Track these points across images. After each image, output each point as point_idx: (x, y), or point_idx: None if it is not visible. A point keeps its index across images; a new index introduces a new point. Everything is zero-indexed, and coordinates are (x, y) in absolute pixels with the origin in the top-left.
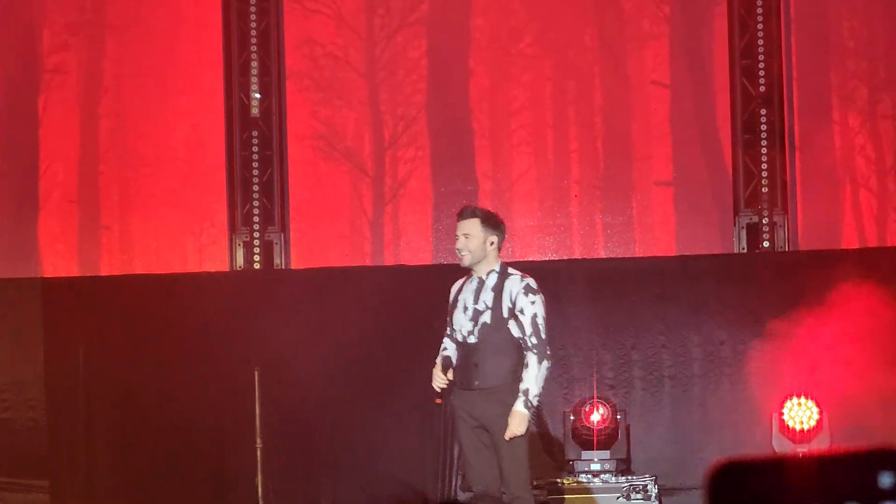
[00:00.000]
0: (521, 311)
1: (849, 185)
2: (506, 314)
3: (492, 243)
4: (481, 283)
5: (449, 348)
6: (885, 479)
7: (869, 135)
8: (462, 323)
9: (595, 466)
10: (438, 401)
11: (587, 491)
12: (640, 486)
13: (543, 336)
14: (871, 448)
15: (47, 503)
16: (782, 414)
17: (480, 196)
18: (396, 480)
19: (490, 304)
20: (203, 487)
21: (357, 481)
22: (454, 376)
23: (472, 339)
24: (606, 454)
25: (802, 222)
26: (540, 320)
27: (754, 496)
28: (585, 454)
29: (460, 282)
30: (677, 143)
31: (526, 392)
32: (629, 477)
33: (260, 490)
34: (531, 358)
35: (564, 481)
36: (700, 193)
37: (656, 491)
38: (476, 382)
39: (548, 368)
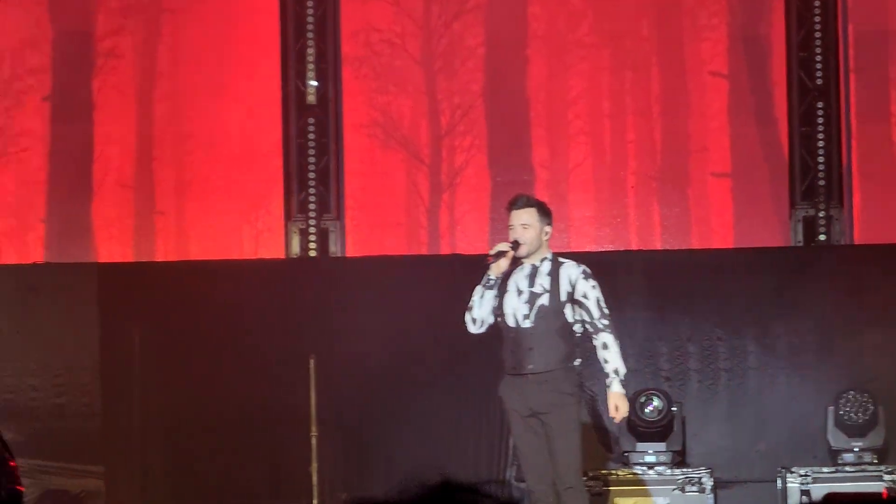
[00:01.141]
0: (585, 296)
1: None
2: (563, 298)
3: (547, 234)
4: (534, 269)
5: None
6: None
7: None
8: (516, 307)
9: (650, 458)
10: (490, 259)
11: (641, 483)
12: (696, 479)
13: (611, 317)
14: None
15: (102, 488)
16: (839, 408)
17: (537, 186)
18: (451, 470)
19: (548, 287)
20: (257, 475)
21: (412, 470)
22: (503, 363)
23: (526, 324)
24: (662, 446)
25: (860, 216)
26: (603, 302)
27: None
28: (640, 446)
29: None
30: (735, 135)
31: (616, 371)
32: (684, 469)
33: (315, 478)
34: (607, 338)
35: (619, 473)
36: (757, 186)
37: (711, 483)
38: (530, 366)
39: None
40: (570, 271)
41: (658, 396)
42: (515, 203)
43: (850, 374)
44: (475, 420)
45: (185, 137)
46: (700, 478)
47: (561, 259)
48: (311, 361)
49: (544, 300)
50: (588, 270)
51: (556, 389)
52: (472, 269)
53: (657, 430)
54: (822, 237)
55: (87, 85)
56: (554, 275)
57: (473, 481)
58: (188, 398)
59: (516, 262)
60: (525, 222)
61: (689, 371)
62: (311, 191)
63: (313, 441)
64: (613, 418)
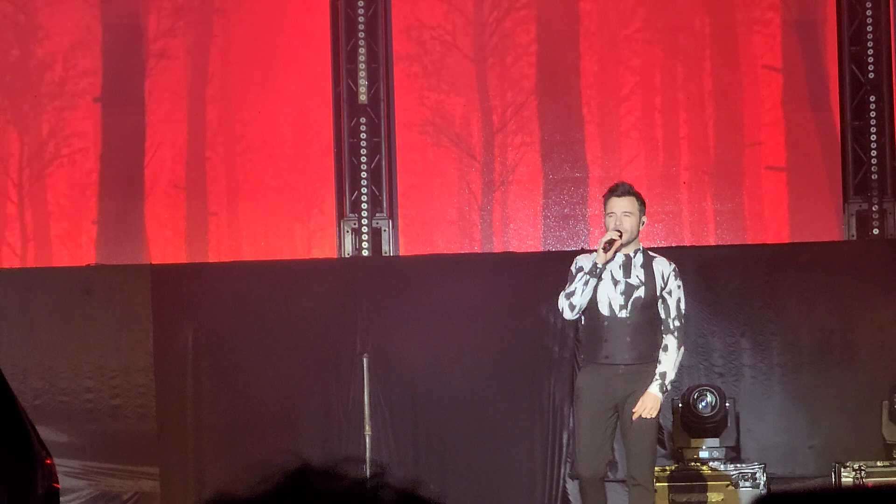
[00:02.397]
0: (670, 293)
1: None
2: (658, 292)
3: (643, 224)
4: (629, 259)
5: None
6: None
7: None
8: (612, 296)
9: (704, 454)
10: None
11: (696, 478)
12: (750, 475)
13: (684, 322)
14: None
15: (157, 490)
16: (893, 402)
17: (590, 183)
18: (504, 470)
19: (643, 279)
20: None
21: (464, 470)
22: (588, 351)
23: (623, 314)
24: (716, 442)
25: None
26: (683, 305)
27: None
28: (694, 442)
29: (592, 255)
30: (790, 129)
31: (663, 375)
32: (738, 465)
33: (368, 476)
34: (671, 341)
35: (673, 469)
36: (813, 180)
37: (765, 479)
38: (627, 357)
39: (683, 355)
40: (664, 267)
41: (711, 392)
42: (616, 190)
43: None
44: (528, 416)
45: (236, 138)
46: (754, 473)
47: (651, 253)
48: (365, 360)
49: (640, 292)
50: (678, 269)
51: (648, 383)
52: (524, 267)
53: (711, 426)
54: (876, 231)
55: (139, 86)
56: (648, 268)
57: (328, 464)
58: (242, 398)
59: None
60: (627, 210)
61: (743, 367)
62: (364, 190)
63: (367, 440)
64: (633, 412)
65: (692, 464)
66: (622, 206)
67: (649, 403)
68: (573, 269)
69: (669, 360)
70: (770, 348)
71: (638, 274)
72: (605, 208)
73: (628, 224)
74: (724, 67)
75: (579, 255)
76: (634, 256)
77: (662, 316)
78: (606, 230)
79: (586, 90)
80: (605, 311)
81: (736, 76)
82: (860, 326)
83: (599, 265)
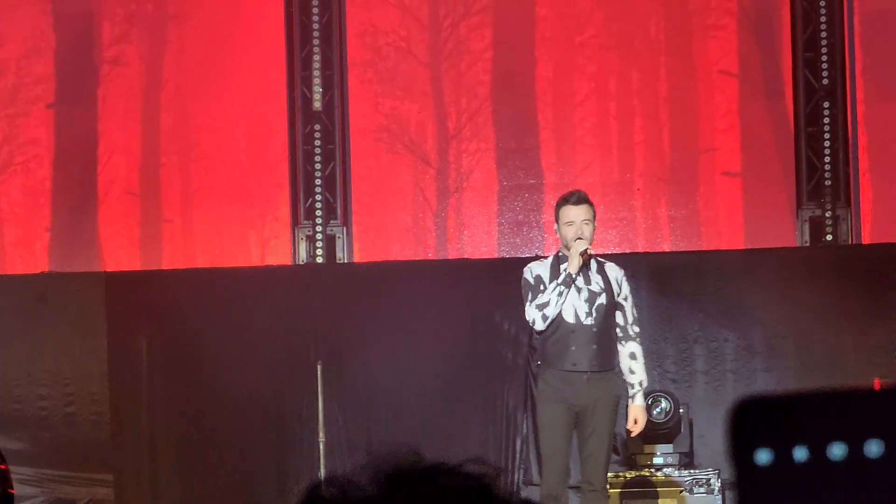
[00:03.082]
0: (626, 299)
1: None
2: (616, 298)
3: (594, 229)
4: (585, 266)
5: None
6: None
7: None
8: (577, 304)
9: (658, 460)
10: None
11: (649, 485)
12: (703, 480)
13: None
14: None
15: (111, 497)
16: None
17: (545, 190)
18: (459, 475)
19: (603, 286)
20: (265, 481)
21: (420, 476)
22: (552, 359)
23: (589, 321)
24: (669, 448)
25: (873, 215)
26: (635, 310)
27: (776, 430)
28: (648, 448)
29: (545, 263)
30: (745, 135)
31: (641, 384)
32: (692, 471)
33: (323, 484)
34: (636, 348)
35: (626, 475)
36: (768, 186)
37: (719, 485)
38: (594, 364)
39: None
40: (616, 272)
41: (665, 398)
42: (571, 199)
43: (857, 374)
44: (482, 422)
45: (191, 145)
46: (708, 479)
47: (600, 258)
48: (319, 367)
49: (603, 299)
50: (625, 272)
51: (611, 390)
52: (478, 274)
53: (664, 432)
54: (829, 237)
55: (93, 93)
56: (603, 274)
57: (454, 462)
58: (196, 406)
59: (563, 259)
60: (586, 218)
61: (697, 373)
62: (318, 197)
63: (321, 447)
64: (630, 431)
65: (646, 470)
66: (581, 214)
67: (641, 416)
68: (529, 278)
69: (640, 366)
70: (723, 354)
71: (597, 280)
72: (558, 217)
73: (589, 232)
74: (679, 73)
75: (530, 263)
76: (590, 263)
77: (621, 323)
78: (562, 239)
79: (541, 96)
80: (570, 319)
81: (691, 82)
82: (813, 333)
83: (574, 275)
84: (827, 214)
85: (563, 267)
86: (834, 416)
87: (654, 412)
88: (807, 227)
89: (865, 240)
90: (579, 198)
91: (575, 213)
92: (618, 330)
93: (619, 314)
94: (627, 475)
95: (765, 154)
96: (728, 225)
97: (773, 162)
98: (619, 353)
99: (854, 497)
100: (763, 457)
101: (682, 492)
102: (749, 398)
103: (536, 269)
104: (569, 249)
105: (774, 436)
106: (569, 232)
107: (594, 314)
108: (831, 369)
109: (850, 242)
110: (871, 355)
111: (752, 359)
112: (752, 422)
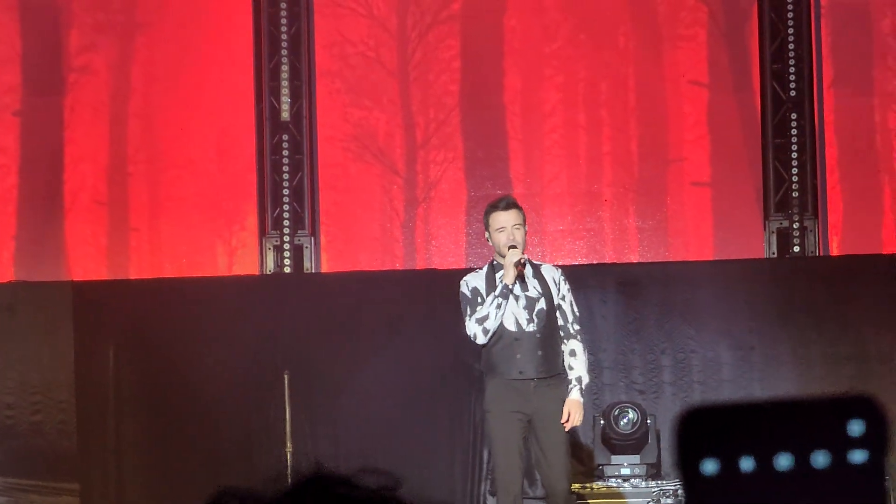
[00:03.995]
0: (563, 298)
1: (888, 187)
2: (556, 301)
3: (526, 233)
4: (520, 274)
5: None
6: (854, 427)
7: None
8: (517, 312)
9: (625, 471)
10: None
11: (617, 496)
12: (670, 492)
13: (581, 323)
14: (841, 395)
15: None
16: None
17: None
18: (426, 486)
19: (541, 290)
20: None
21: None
22: (498, 369)
23: (531, 328)
24: (636, 459)
25: (843, 226)
26: (575, 306)
27: (722, 440)
28: (615, 459)
29: (480, 274)
30: (715, 145)
31: (580, 380)
32: (659, 482)
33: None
34: (576, 345)
35: (594, 486)
36: (737, 197)
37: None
38: (541, 370)
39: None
40: (552, 273)
41: (632, 409)
42: (500, 205)
43: (825, 385)
44: (449, 432)
45: (159, 154)
46: (675, 490)
47: (535, 262)
48: (286, 376)
49: (542, 303)
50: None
51: (561, 396)
52: (446, 284)
53: (631, 443)
54: (797, 249)
55: (60, 101)
56: (540, 277)
57: (348, 472)
58: (163, 415)
59: (497, 268)
60: (517, 222)
61: (663, 384)
62: (286, 207)
63: (288, 456)
64: (563, 425)
65: (613, 481)
66: (511, 219)
67: (574, 410)
68: (465, 291)
69: (581, 364)
70: (690, 366)
71: (534, 285)
72: (487, 224)
73: (520, 237)
74: (648, 83)
75: (465, 276)
76: (525, 268)
77: (561, 322)
78: (495, 247)
79: (510, 106)
80: (512, 327)
81: (660, 92)
82: (780, 344)
83: (510, 285)
84: (794, 226)
85: (498, 276)
86: (779, 426)
87: (621, 423)
88: (774, 238)
89: (835, 251)
90: (508, 203)
91: (505, 219)
92: (560, 330)
93: (558, 314)
94: (594, 486)
95: (735, 164)
96: (696, 236)
97: (742, 172)
98: (562, 353)
99: None
100: (709, 467)
101: (649, 503)
102: (694, 408)
103: (472, 282)
104: (503, 258)
105: (721, 446)
106: (501, 238)
107: (535, 320)
108: (799, 381)
109: (817, 254)
110: (838, 366)
111: (719, 370)
112: (698, 432)
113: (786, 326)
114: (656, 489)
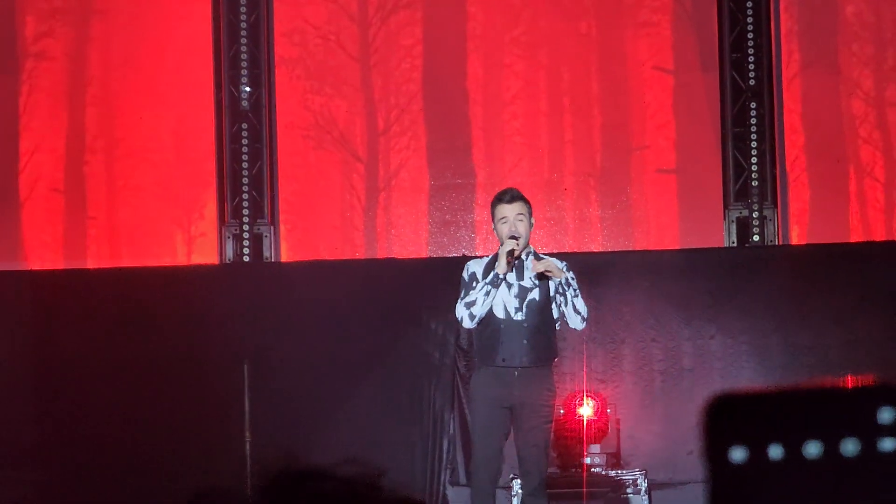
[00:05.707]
0: (568, 285)
1: (854, 174)
2: (552, 292)
3: (531, 226)
4: (521, 262)
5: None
6: (884, 415)
7: (876, 123)
8: (507, 299)
9: (585, 460)
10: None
11: (577, 485)
12: (630, 481)
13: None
14: (871, 382)
15: (34, 496)
16: None
17: (476, 188)
18: (386, 475)
19: (536, 282)
20: (192, 480)
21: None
22: (483, 355)
23: (518, 317)
24: (596, 448)
25: (810, 214)
26: (581, 305)
27: (751, 428)
28: (575, 448)
29: (482, 261)
30: (679, 133)
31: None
32: (619, 471)
33: (249, 482)
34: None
35: (554, 474)
36: (700, 185)
37: (646, 485)
38: (525, 360)
39: (585, 320)
40: (555, 265)
41: (593, 398)
42: (504, 197)
43: (784, 375)
44: (409, 422)
45: (117, 142)
46: (635, 479)
47: (541, 255)
48: (245, 366)
49: (535, 294)
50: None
51: (544, 386)
52: (406, 273)
53: (592, 433)
54: (756, 237)
55: (16, 88)
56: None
57: (322, 466)
58: (122, 404)
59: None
60: (520, 212)
61: (624, 373)
62: (245, 196)
63: (247, 445)
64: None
65: (573, 470)
66: (514, 210)
67: (552, 265)
68: (465, 276)
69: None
70: (651, 355)
71: (531, 276)
72: (493, 215)
73: (522, 228)
74: (611, 71)
75: (470, 260)
76: (526, 259)
77: (556, 315)
78: (498, 237)
79: (472, 93)
80: (500, 314)
81: (623, 79)
82: (740, 332)
83: (501, 275)
84: (754, 215)
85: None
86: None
87: (582, 412)
88: (734, 227)
89: (796, 240)
90: (513, 195)
91: (509, 210)
92: (555, 322)
93: (556, 307)
94: (554, 474)
95: (701, 151)
96: (659, 224)
97: (709, 159)
98: (553, 346)
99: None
100: (738, 454)
101: (609, 492)
102: (723, 395)
103: (472, 267)
104: None
105: (749, 433)
106: (503, 229)
107: (524, 309)
108: (759, 369)
109: (777, 243)
110: (798, 355)
111: (679, 359)
112: (726, 419)
113: (745, 316)
114: (616, 478)
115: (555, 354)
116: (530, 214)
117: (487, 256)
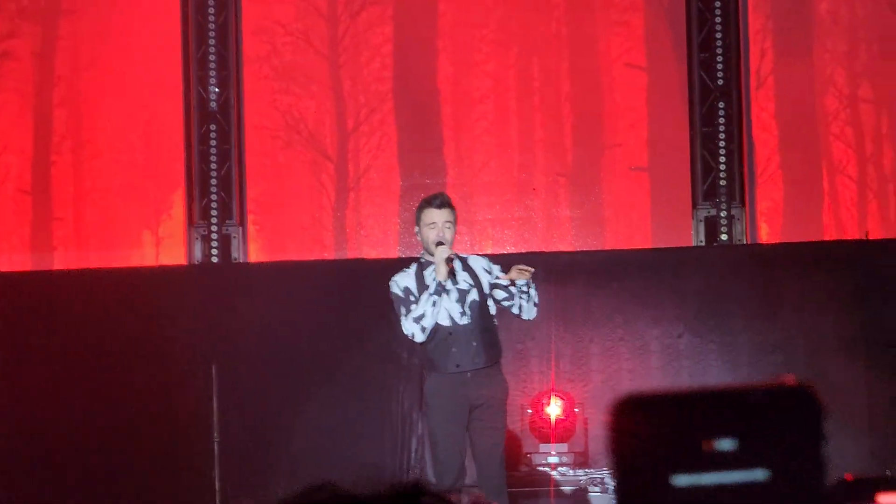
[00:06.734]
0: (498, 279)
1: (826, 172)
2: (487, 290)
3: (455, 233)
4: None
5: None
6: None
7: (848, 120)
8: (449, 306)
9: (552, 459)
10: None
11: (544, 484)
12: (598, 479)
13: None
14: (774, 383)
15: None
16: None
17: (446, 188)
18: (353, 475)
19: (472, 282)
20: (160, 482)
21: (314, 475)
22: (436, 364)
23: (464, 321)
24: (564, 447)
25: (783, 212)
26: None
27: (657, 427)
28: (543, 447)
29: (409, 273)
30: (651, 131)
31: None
32: (586, 470)
33: (217, 483)
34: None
35: (521, 473)
36: (670, 184)
37: (614, 484)
38: (477, 361)
39: (536, 305)
40: (480, 262)
41: (560, 397)
42: (434, 202)
43: (751, 373)
44: (378, 421)
45: (84, 143)
46: (602, 478)
47: (462, 255)
48: (214, 368)
49: (474, 295)
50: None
51: (497, 384)
52: (375, 274)
53: (559, 432)
54: (724, 237)
55: None
56: (469, 270)
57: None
58: (89, 407)
59: (425, 266)
60: (449, 220)
61: (592, 372)
62: (213, 197)
63: (216, 447)
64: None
65: (540, 469)
66: (444, 216)
67: (524, 268)
68: (398, 292)
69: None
70: (618, 354)
71: (464, 278)
72: (419, 219)
73: (450, 235)
74: (582, 70)
75: (394, 276)
76: (455, 263)
77: (494, 312)
78: (423, 242)
79: (442, 92)
80: (445, 322)
81: (595, 77)
82: (707, 331)
83: (444, 282)
84: (722, 214)
85: (427, 273)
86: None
87: (549, 411)
88: (702, 226)
89: (765, 238)
90: (443, 201)
91: (438, 216)
92: (494, 318)
93: (499, 290)
94: (521, 473)
95: (673, 149)
96: (630, 224)
97: (681, 158)
98: (499, 342)
99: None
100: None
101: (576, 491)
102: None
103: (402, 282)
104: (430, 254)
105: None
106: (430, 234)
107: (468, 312)
108: (726, 368)
109: (745, 242)
110: (764, 354)
111: (647, 358)
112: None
113: (713, 315)
114: (584, 477)
115: (501, 351)
116: (455, 222)
117: (408, 269)
